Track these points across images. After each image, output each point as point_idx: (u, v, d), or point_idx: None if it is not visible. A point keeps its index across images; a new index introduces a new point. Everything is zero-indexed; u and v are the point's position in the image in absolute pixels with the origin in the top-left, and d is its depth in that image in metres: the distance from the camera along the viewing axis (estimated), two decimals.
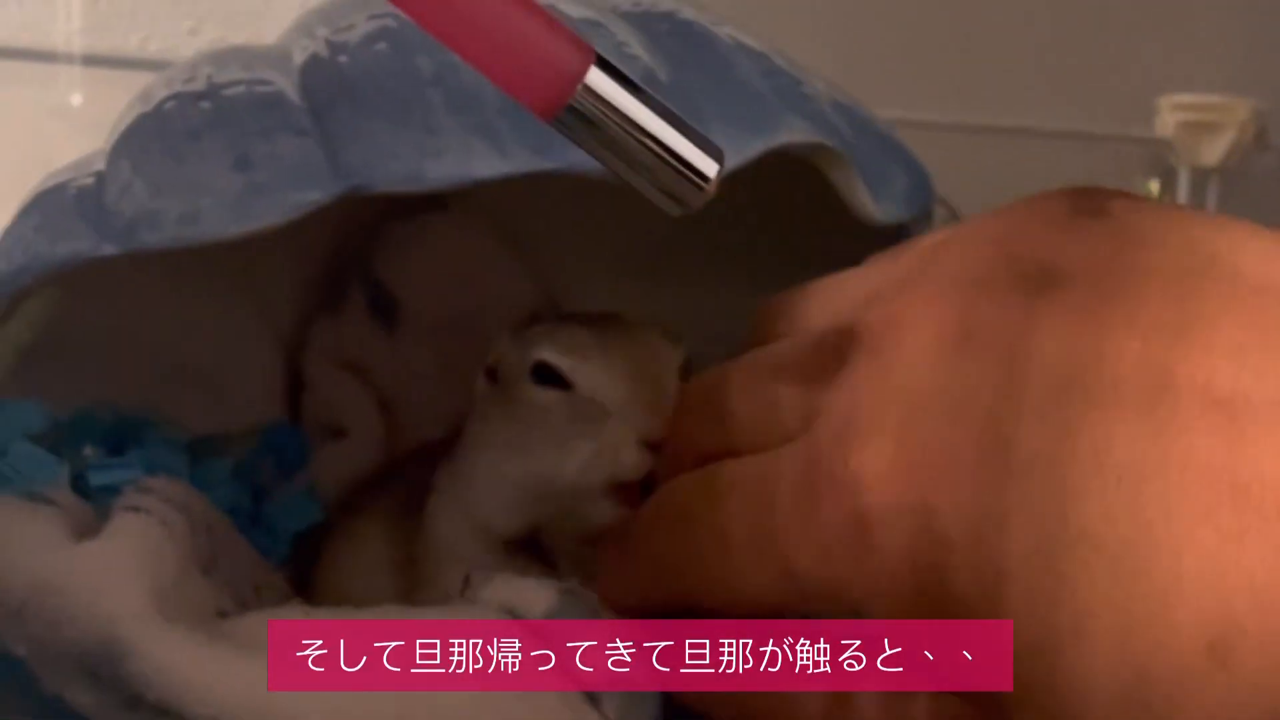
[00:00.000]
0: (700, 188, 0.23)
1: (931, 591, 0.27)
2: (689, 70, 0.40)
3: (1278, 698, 0.23)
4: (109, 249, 0.36)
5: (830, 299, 0.34)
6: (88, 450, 0.41)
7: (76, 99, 0.64)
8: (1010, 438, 0.26)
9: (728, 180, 0.37)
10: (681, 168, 0.23)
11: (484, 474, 0.39)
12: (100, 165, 0.39)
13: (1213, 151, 0.76)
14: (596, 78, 0.22)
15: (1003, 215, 0.31)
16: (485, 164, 0.36)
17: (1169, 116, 0.76)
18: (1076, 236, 0.28)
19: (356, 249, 0.51)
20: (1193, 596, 0.24)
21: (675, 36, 0.41)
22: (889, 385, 0.28)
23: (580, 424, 0.36)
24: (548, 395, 0.37)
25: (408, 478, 0.46)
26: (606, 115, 0.22)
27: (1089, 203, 0.29)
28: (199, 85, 0.38)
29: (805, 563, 0.29)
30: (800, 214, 0.47)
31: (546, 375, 0.37)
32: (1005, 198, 0.78)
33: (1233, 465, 0.24)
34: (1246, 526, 0.23)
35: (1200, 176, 0.77)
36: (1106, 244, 0.28)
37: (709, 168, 0.23)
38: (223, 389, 0.49)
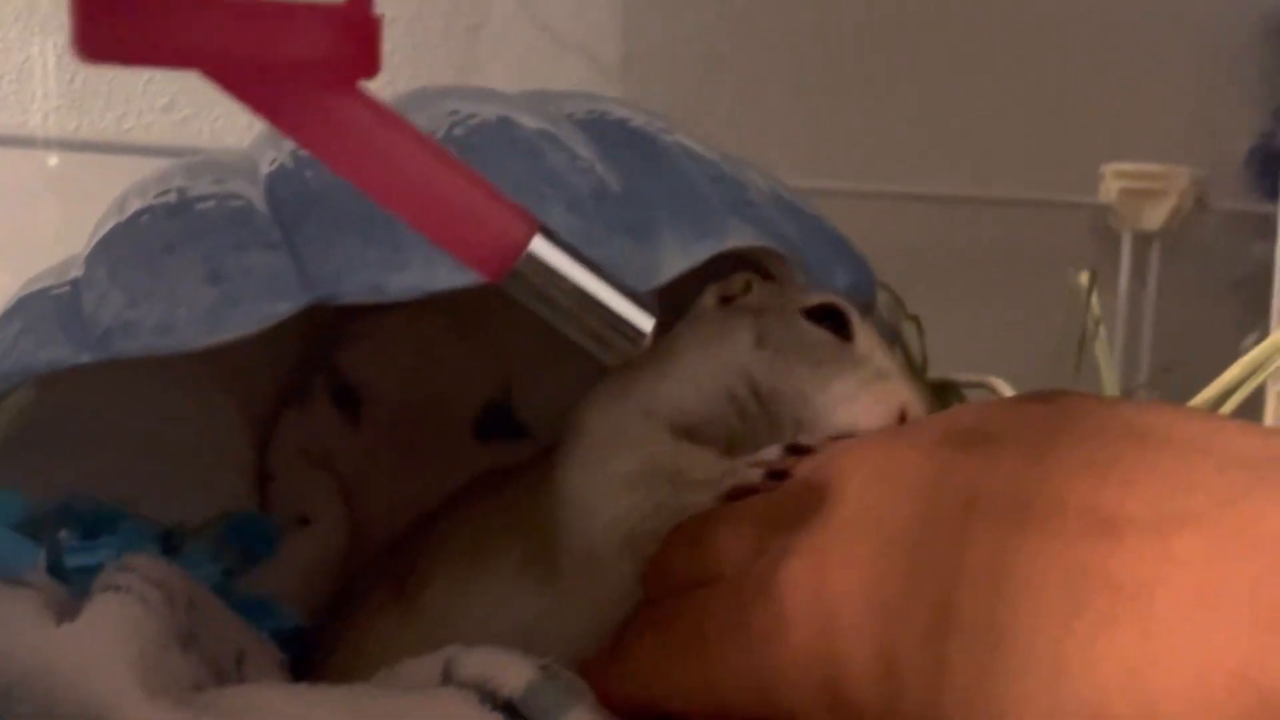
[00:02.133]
0: (635, 341, 0.25)
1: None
2: (640, 178, 0.42)
3: None
4: (86, 357, 0.38)
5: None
6: (63, 534, 0.43)
7: (52, 170, 0.66)
8: (924, 560, 0.29)
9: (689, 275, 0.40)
10: (618, 323, 0.25)
11: (708, 373, 0.41)
12: (78, 272, 0.41)
13: (1155, 217, 0.78)
14: (540, 245, 0.24)
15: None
16: (446, 276, 0.38)
17: (1113, 184, 0.78)
18: (1015, 412, 0.33)
19: (321, 343, 0.53)
20: (1069, 679, 0.27)
21: (627, 146, 0.43)
22: (828, 520, 0.32)
23: (848, 368, 0.40)
24: (823, 332, 0.40)
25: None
26: (549, 278, 0.25)
27: (1040, 393, 0.33)
28: (171, 198, 0.40)
29: (774, 680, 0.32)
30: None
31: (824, 317, 0.41)
32: (957, 263, 0.80)
33: (1108, 567, 0.27)
34: (1118, 615, 0.26)
35: (1143, 240, 0.80)
36: (1040, 417, 0.32)
37: (644, 323, 0.25)
38: (198, 477, 0.51)
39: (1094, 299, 0.46)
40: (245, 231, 0.38)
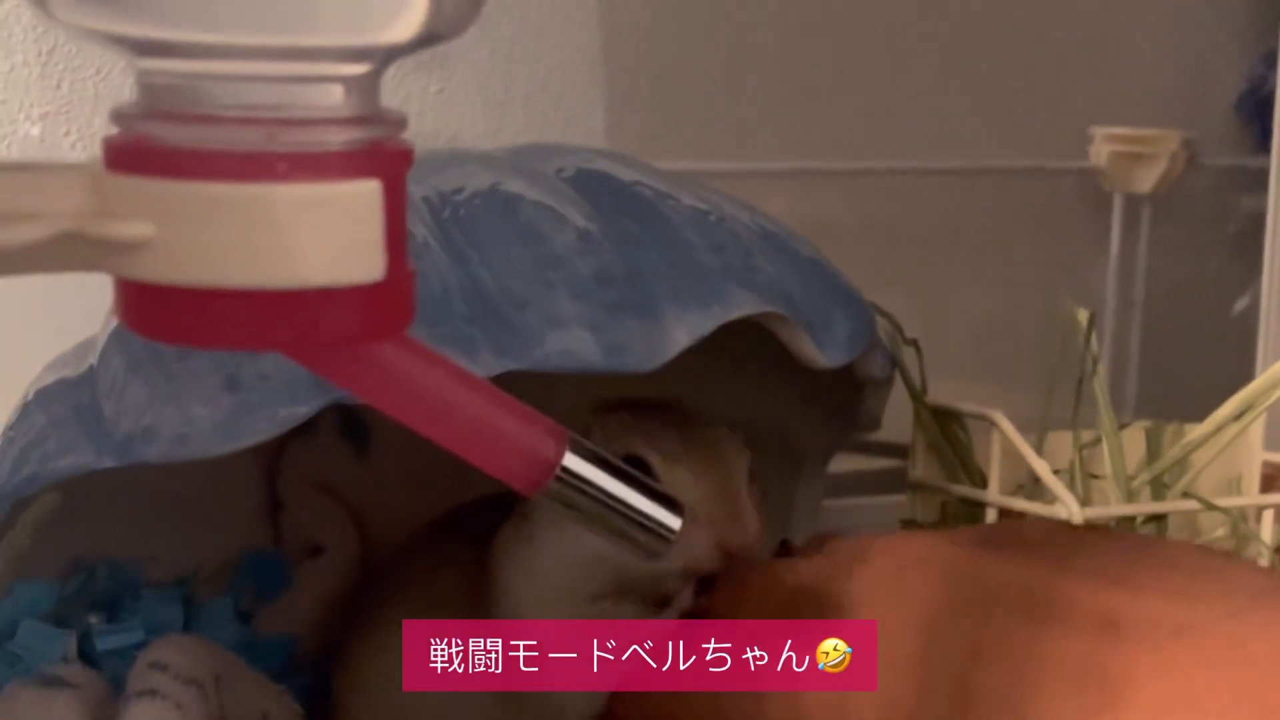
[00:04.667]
0: (665, 539, 0.26)
1: None
2: (642, 254, 0.42)
3: None
4: (109, 462, 0.39)
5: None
6: (91, 619, 0.44)
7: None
8: (948, 640, 0.31)
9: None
10: (649, 524, 0.26)
11: (563, 544, 0.41)
12: (94, 359, 0.42)
13: (1146, 180, 0.78)
14: (572, 460, 0.25)
15: None
16: None
17: (1102, 147, 0.78)
18: (1049, 529, 0.37)
19: None
20: None
21: (626, 215, 0.43)
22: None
23: None
24: None
25: (423, 563, 0.48)
26: (583, 488, 0.25)
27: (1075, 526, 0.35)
28: None
29: None
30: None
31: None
32: (951, 237, 0.80)
33: (1105, 661, 0.29)
34: (1105, 705, 0.29)
35: (1134, 203, 0.80)
36: (1070, 535, 0.35)
37: (671, 521, 0.26)
38: (211, 520, 0.52)
39: (1093, 339, 0.47)
40: None
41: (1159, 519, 0.48)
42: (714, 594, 0.40)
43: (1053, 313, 0.50)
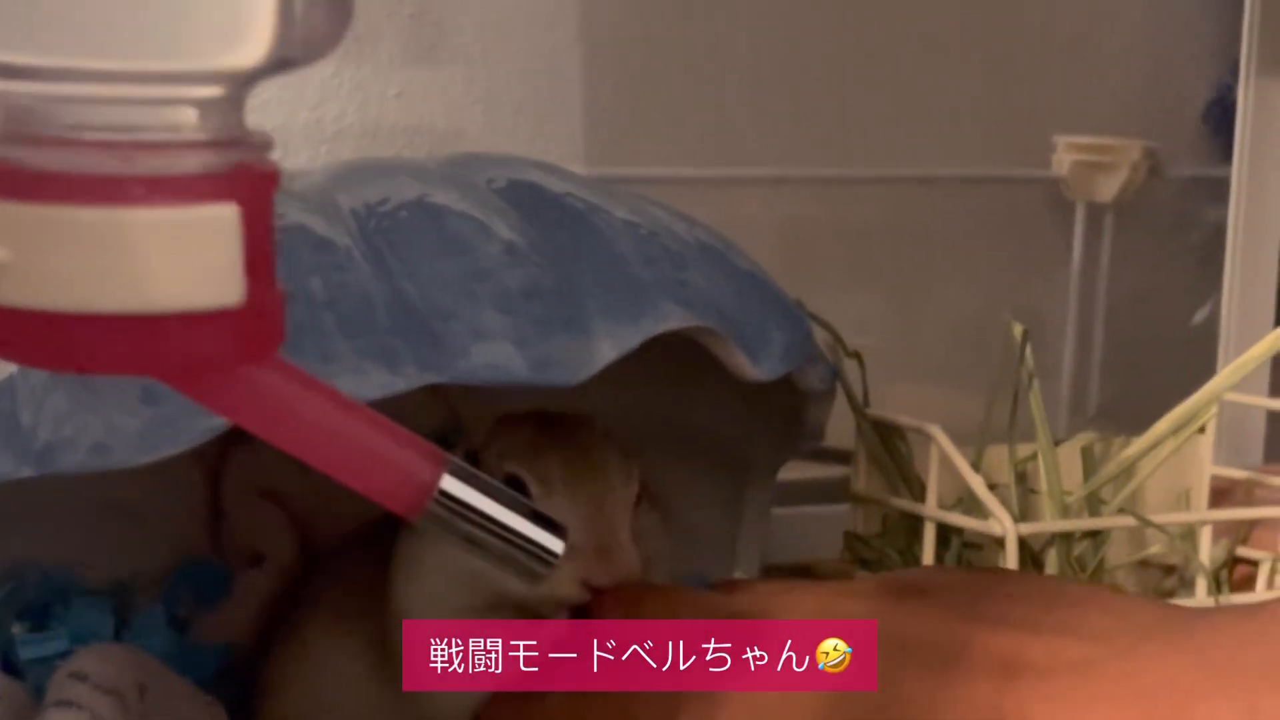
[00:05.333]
0: (547, 562, 0.26)
1: None
2: (571, 267, 0.42)
3: None
4: (28, 471, 0.39)
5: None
6: (15, 628, 0.44)
7: None
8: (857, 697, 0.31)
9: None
10: (530, 548, 0.26)
11: (445, 561, 0.41)
12: (13, 368, 0.41)
13: (1108, 189, 0.79)
14: (450, 483, 0.25)
15: None
16: (377, 385, 0.38)
17: (1065, 156, 0.78)
18: (948, 574, 0.36)
19: None
20: None
21: (560, 227, 0.43)
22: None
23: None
24: None
25: (339, 573, 0.49)
26: (461, 510, 0.25)
27: (975, 567, 0.35)
28: None
29: None
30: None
31: (516, 490, 0.40)
32: (913, 244, 0.80)
33: (999, 703, 0.29)
34: None
35: (1096, 212, 0.80)
36: (968, 579, 0.35)
37: (553, 545, 0.26)
38: (150, 526, 0.51)
39: (1028, 353, 0.47)
40: None
41: (1095, 535, 0.47)
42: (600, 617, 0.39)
43: (1002, 324, 0.49)
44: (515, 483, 0.41)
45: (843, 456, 0.58)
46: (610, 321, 0.41)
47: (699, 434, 0.58)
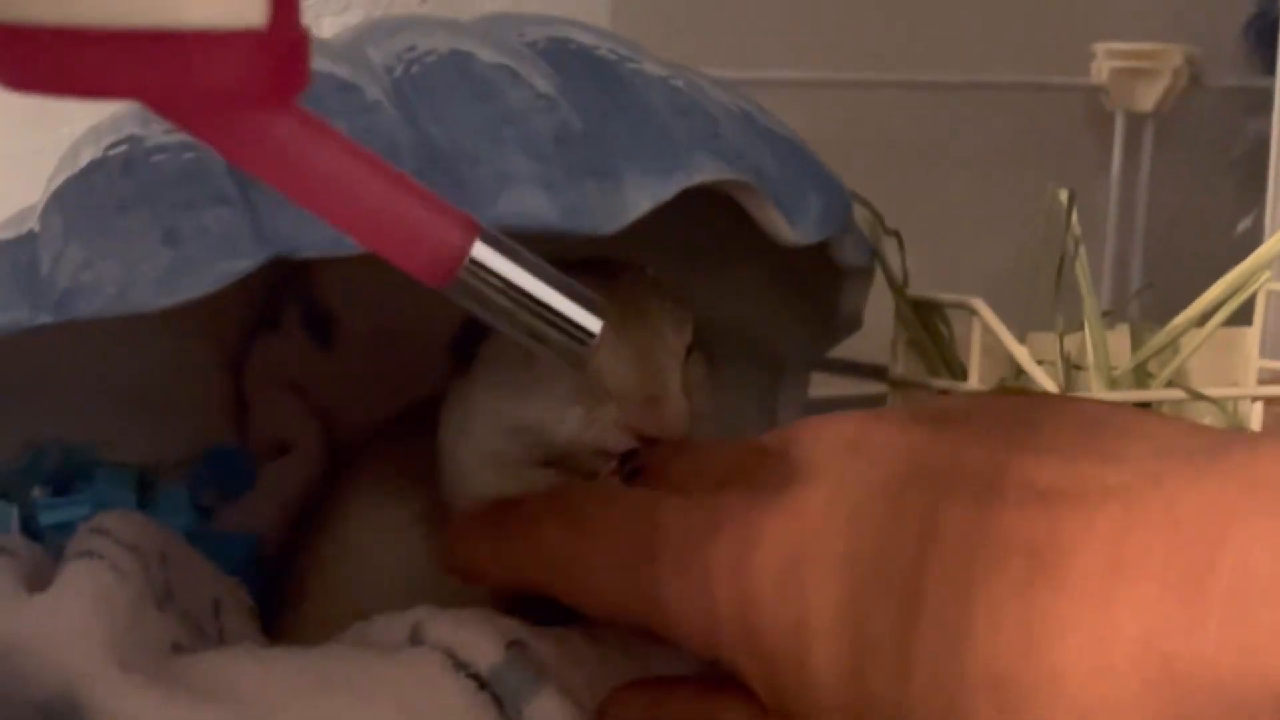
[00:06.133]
0: (584, 342, 0.25)
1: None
2: (603, 113, 0.41)
3: None
4: (45, 318, 0.38)
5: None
6: (36, 491, 0.43)
7: None
8: (889, 530, 0.29)
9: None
10: (565, 325, 0.25)
11: (486, 412, 0.40)
12: (34, 224, 0.40)
13: (1148, 97, 0.77)
14: (481, 251, 0.23)
15: None
16: None
17: (1104, 64, 0.76)
18: (985, 402, 0.35)
19: (290, 269, 0.52)
20: (973, 643, 0.28)
21: (590, 78, 0.42)
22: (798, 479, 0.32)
23: (580, 393, 0.38)
24: (543, 369, 0.39)
25: (378, 451, 0.47)
26: (493, 282, 0.24)
27: (1017, 390, 0.33)
28: (124, 149, 0.39)
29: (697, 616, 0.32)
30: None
31: None
32: (948, 153, 0.79)
33: (1031, 534, 0.28)
34: (1032, 581, 0.28)
35: (1136, 121, 0.78)
36: (1006, 407, 0.33)
37: (592, 324, 0.25)
38: (172, 414, 0.50)
39: (1074, 218, 0.45)
40: (199, 187, 0.37)
41: (1143, 409, 0.46)
42: (641, 476, 0.38)
43: (1044, 196, 0.48)
44: None
45: (877, 372, 0.57)
46: (643, 172, 0.40)
47: (730, 330, 0.56)
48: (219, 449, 0.51)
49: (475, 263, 0.24)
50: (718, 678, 0.34)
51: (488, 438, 0.40)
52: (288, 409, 0.53)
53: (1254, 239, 0.76)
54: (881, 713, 0.29)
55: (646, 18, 0.72)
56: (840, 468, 0.32)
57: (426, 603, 0.39)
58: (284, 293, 0.53)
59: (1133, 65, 0.76)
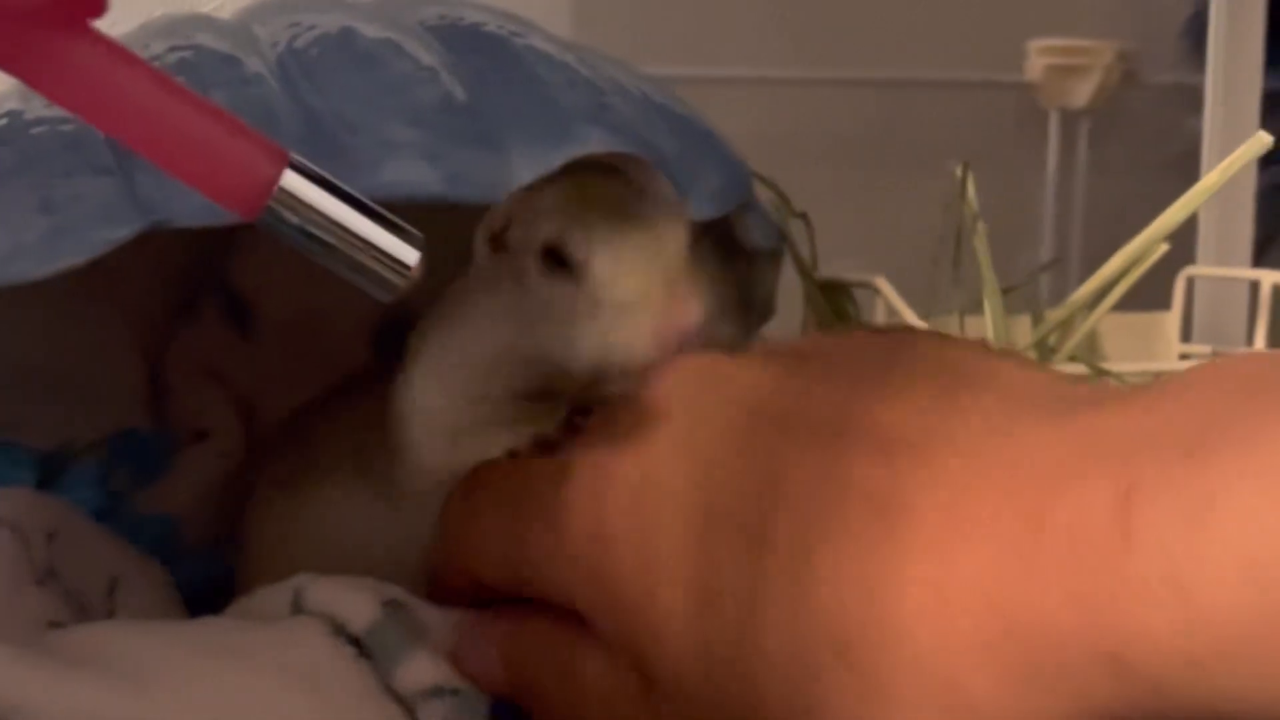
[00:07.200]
0: (403, 275, 0.25)
1: None
2: (489, 86, 0.41)
3: None
4: None
5: None
6: None
7: None
8: (738, 474, 0.29)
9: None
10: (383, 258, 0.25)
11: (483, 342, 0.40)
12: None
13: (1080, 94, 0.77)
14: (291, 179, 0.24)
15: None
16: None
17: (1037, 61, 0.77)
18: (846, 342, 0.34)
19: (209, 256, 0.52)
20: (812, 598, 0.27)
21: (478, 52, 0.42)
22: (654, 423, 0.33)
23: (589, 315, 0.37)
24: (556, 280, 0.38)
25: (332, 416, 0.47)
26: (305, 213, 0.24)
27: (884, 328, 0.34)
28: (3, 124, 0.39)
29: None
30: None
31: (558, 257, 0.38)
32: (884, 150, 0.79)
33: (873, 485, 0.28)
34: (871, 533, 0.28)
35: (1071, 118, 0.79)
36: (866, 347, 0.33)
37: (409, 256, 0.25)
38: (84, 397, 0.50)
39: (969, 192, 0.45)
40: (76, 157, 0.38)
41: (1009, 353, 0.46)
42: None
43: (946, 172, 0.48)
44: (553, 255, 0.38)
45: None
46: (528, 141, 0.40)
47: None
48: (131, 433, 0.51)
49: (285, 192, 0.24)
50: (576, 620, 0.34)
51: (472, 374, 0.39)
52: (207, 396, 0.53)
53: (1190, 235, 0.77)
54: (726, 660, 0.29)
55: (606, 18, 0.72)
56: (692, 402, 0.32)
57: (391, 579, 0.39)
58: (203, 280, 0.53)
59: (1064, 62, 0.76)
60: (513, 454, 0.38)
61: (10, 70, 0.22)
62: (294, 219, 0.24)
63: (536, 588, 0.34)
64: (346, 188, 0.25)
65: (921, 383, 0.30)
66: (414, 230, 0.25)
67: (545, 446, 0.37)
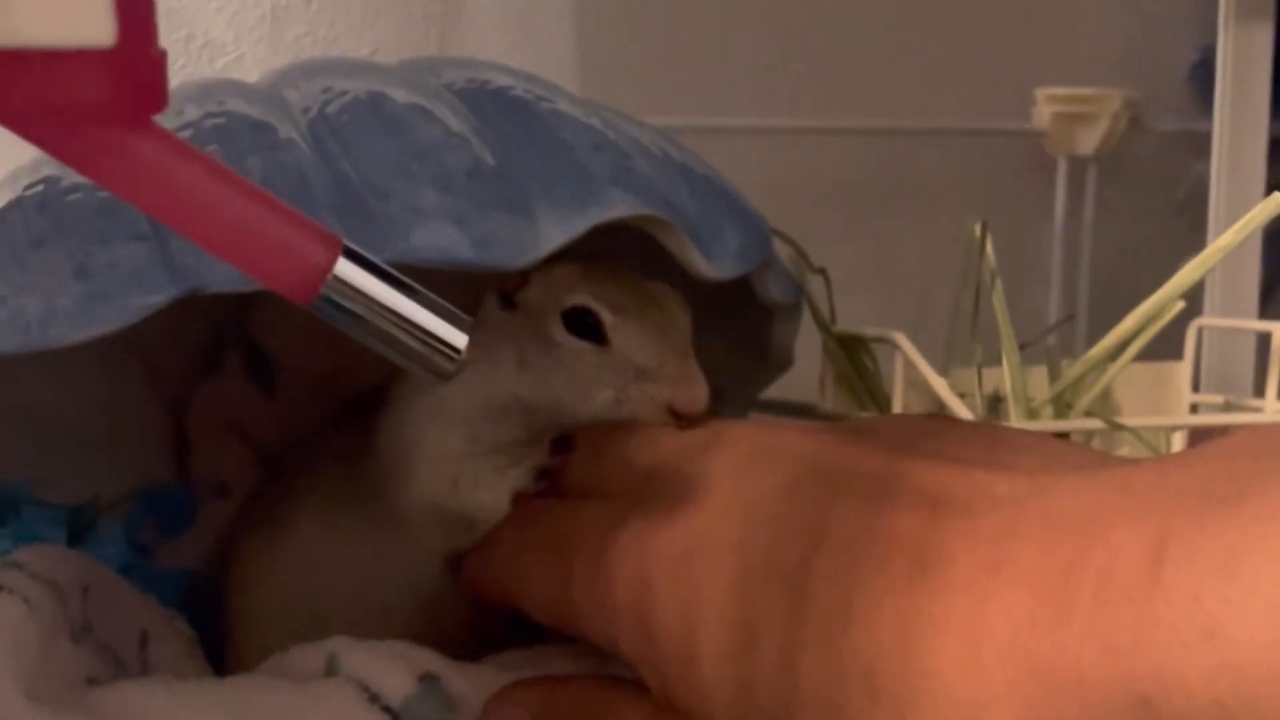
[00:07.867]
0: (452, 358, 0.25)
1: None
2: (516, 150, 0.42)
3: None
4: None
5: None
6: None
7: None
8: (786, 528, 0.30)
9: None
10: (433, 342, 0.25)
11: (485, 388, 0.41)
12: None
13: (1088, 141, 0.78)
14: (345, 268, 0.24)
15: None
16: None
17: (1045, 108, 0.78)
18: (896, 420, 0.37)
19: (233, 313, 0.52)
20: (851, 637, 0.28)
21: (506, 116, 0.43)
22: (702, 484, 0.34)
23: (608, 375, 0.40)
24: (579, 343, 0.40)
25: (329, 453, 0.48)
26: (358, 299, 0.24)
27: (930, 415, 0.38)
28: (40, 190, 0.40)
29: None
30: None
31: (580, 321, 0.40)
32: (893, 197, 0.80)
33: (919, 537, 0.29)
34: (912, 578, 0.28)
35: (1078, 165, 0.80)
36: (914, 423, 0.34)
37: (458, 340, 0.25)
38: (110, 453, 0.51)
39: (989, 249, 0.46)
40: (112, 223, 0.38)
41: (1062, 439, 0.46)
42: (570, 454, 0.40)
43: (965, 231, 0.49)
44: (584, 314, 0.40)
45: (806, 410, 0.57)
46: (556, 205, 0.41)
47: None
48: (158, 488, 0.52)
49: (339, 279, 0.24)
50: (613, 676, 0.35)
51: (465, 421, 0.41)
52: (230, 452, 0.53)
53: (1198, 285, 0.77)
54: (763, 703, 0.30)
55: (605, 67, 0.73)
56: (744, 468, 0.33)
57: (381, 610, 0.41)
58: (226, 336, 0.54)
59: (1072, 110, 0.77)
60: (519, 495, 0.40)
61: (75, 165, 0.23)
62: (346, 304, 0.24)
63: (580, 628, 0.35)
64: (397, 274, 0.25)
65: (969, 450, 0.31)
66: (462, 314, 0.26)
67: (544, 475, 0.40)
